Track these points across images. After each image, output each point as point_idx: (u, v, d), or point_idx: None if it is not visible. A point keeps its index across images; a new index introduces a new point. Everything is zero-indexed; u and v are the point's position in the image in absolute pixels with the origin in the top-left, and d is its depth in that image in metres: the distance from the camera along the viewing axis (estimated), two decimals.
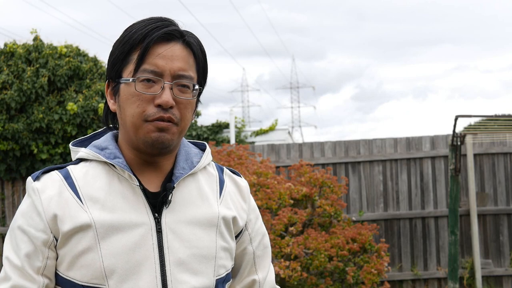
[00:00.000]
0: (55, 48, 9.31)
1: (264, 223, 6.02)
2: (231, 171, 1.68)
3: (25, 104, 9.04)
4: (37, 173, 1.52)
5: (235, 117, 14.75)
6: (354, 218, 7.63)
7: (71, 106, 8.66)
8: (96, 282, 1.43)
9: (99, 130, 1.63)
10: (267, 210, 6.13)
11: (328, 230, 6.46)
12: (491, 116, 6.55)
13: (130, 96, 1.47)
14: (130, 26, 1.52)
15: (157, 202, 1.49)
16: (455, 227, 6.61)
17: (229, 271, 1.58)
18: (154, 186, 1.52)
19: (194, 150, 1.62)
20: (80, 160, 1.55)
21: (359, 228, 6.48)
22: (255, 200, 6.06)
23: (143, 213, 1.47)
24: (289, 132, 17.03)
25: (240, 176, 1.69)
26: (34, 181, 1.50)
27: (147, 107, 1.46)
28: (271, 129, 15.69)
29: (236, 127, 14.62)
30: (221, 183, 1.61)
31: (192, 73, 1.51)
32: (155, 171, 1.54)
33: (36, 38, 9.47)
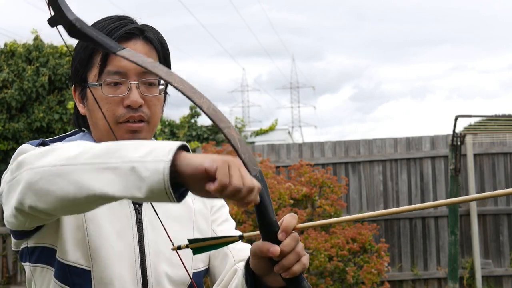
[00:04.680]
0: (56, 47, 9.32)
1: None
2: None
3: (25, 104, 9.04)
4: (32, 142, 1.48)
5: (236, 118, 14.75)
6: None
7: (71, 105, 8.67)
8: (81, 263, 1.43)
9: (69, 132, 1.62)
10: None
11: (328, 230, 6.46)
12: (491, 116, 6.55)
13: (99, 100, 1.48)
14: None
15: None
16: (455, 227, 6.61)
17: (207, 267, 1.60)
18: None
19: None
20: None
21: (359, 228, 6.48)
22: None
23: (124, 205, 1.49)
24: (289, 132, 17.04)
25: None
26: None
27: (116, 109, 1.48)
28: (271, 129, 15.68)
29: (236, 127, 14.63)
30: None
31: None
32: None
33: (36, 38, 9.47)
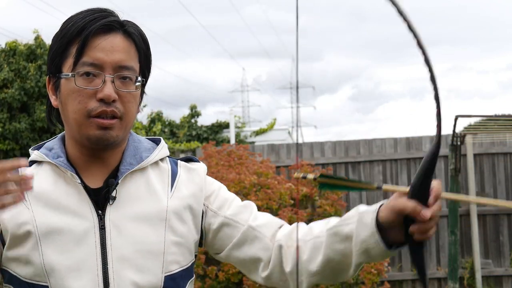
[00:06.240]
0: None
1: None
2: (186, 160, 1.63)
3: (26, 103, 9.04)
4: None
5: (235, 116, 14.75)
6: None
7: None
8: (38, 279, 1.42)
9: (59, 135, 1.59)
10: (268, 210, 6.13)
11: None
12: (491, 116, 6.55)
13: (71, 92, 1.44)
14: (69, 18, 1.49)
15: (100, 198, 1.47)
16: (455, 227, 6.61)
17: (185, 267, 1.53)
18: (99, 182, 1.49)
19: (147, 145, 1.58)
20: (33, 162, 1.53)
21: None
22: (255, 200, 6.06)
23: (86, 211, 1.45)
24: (289, 132, 17.04)
25: (197, 162, 1.63)
26: None
27: (89, 102, 1.43)
28: (271, 127, 15.69)
29: (236, 127, 14.63)
30: (174, 175, 1.56)
31: (134, 64, 1.48)
32: (101, 166, 1.51)
33: (37, 38, 9.48)
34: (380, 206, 1.35)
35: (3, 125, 8.84)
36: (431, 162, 1.24)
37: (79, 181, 1.47)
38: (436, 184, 1.26)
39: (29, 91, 8.84)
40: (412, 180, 1.27)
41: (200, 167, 1.61)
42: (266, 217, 1.60)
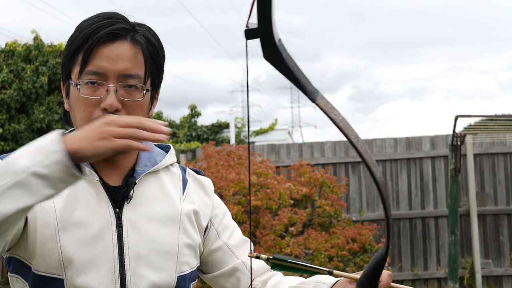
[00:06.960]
0: (55, 46, 9.32)
1: (264, 223, 6.02)
2: (193, 170, 1.66)
3: (25, 104, 9.04)
4: (1, 156, 1.50)
5: (236, 118, 14.76)
6: (354, 218, 7.63)
7: None
8: (53, 272, 1.41)
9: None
10: (267, 210, 6.13)
11: (328, 230, 6.47)
12: (491, 116, 6.55)
13: (77, 100, 1.45)
14: (79, 24, 1.49)
15: (119, 197, 1.47)
16: (455, 227, 6.61)
17: (194, 269, 1.56)
18: (115, 182, 1.51)
19: (159, 150, 1.61)
20: None
21: (359, 228, 6.48)
22: (255, 200, 6.06)
23: (104, 208, 1.46)
24: (289, 132, 17.05)
25: (203, 175, 1.68)
26: None
27: (93, 111, 1.44)
28: (271, 128, 15.70)
29: (236, 127, 14.64)
30: (184, 181, 1.60)
31: (141, 71, 1.47)
32: (115, 168, 1.52)
33: (36, 38, 9.48)
34: (336, 281, 1.46)
35: (1, 125, 8.84)
36: (382, 260, 1.28)
37: (98, 179, 1.48)
38: (385, 277, 1.34)
39: (27, 92, 8.84)
40: (363, 271, 1.32)
41: (208, 183, 1.66)
42: (261, 261, 1.66)
